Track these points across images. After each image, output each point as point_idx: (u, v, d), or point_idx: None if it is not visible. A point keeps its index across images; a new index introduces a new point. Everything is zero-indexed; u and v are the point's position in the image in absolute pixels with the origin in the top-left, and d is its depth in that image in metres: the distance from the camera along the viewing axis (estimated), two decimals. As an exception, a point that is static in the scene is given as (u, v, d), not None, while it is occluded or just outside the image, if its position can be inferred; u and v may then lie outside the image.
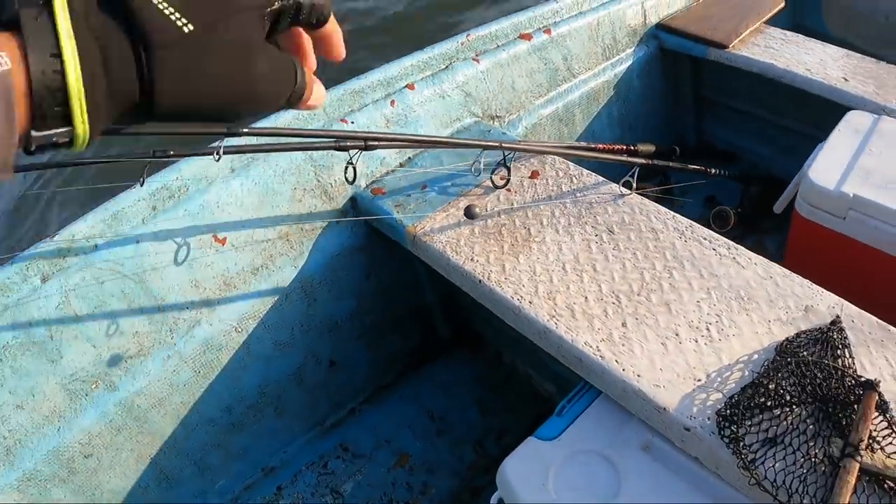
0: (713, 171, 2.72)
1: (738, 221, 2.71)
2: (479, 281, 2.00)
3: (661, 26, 3.34)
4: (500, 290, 1.96)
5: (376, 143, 1.93)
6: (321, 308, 2.51)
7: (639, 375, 1.69)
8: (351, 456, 2.69)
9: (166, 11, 0.58)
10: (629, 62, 3.29)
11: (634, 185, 2.23)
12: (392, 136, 2.16)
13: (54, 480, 2.04)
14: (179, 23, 0.59)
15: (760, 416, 1.55)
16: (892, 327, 1.73)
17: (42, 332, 1.96)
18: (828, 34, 4.07)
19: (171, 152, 1.84)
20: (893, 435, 1.50)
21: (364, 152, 1.88)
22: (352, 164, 1.69)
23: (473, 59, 2.71)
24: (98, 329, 2.05)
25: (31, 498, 2.00)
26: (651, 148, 2.83)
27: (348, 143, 1.88)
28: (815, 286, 1.87)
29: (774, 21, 3.35)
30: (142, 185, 1.93)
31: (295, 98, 0.73)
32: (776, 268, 1.93)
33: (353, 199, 2.44)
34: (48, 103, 0.53)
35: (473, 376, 2.91)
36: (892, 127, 2.47)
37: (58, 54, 0.52)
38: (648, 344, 1.76)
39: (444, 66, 2.65)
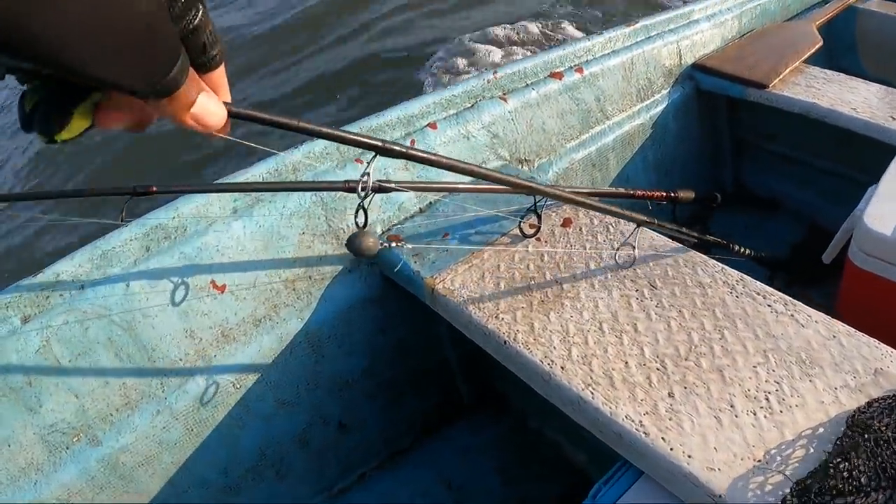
0: (737, 248, 2.50)
1: (785, 275, 2.54)
2: (505, 342, 1.78)
3: (697, 66, 3.17)
4: (528, 352, 1.74)
5: (390, 185, 1.71)
6: (330, 364, 2.30)
7: (689, 456, 1.45)
8: (359, 526, 2.44)
9: None
10: (664, 104, 3.11)
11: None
12: (414, 182, 1.95)
13: None
14: None
15: None
16: None
17: (20, 377, 1.79)
18: (865, 73, 3.89)
19: (154, 188, 1.65)
20: None
21: (380, 195, 1.66)
22: (363, 207, 1.45)
23: (501, 98, 2.52)
24: (81, 378, 1.87)
25: None
26: (691, 195, 2.62)
27: (358, 186, 1.66)
28: (883, 346, 1.64)
29: (811, 62, 3.18)
30: (121, 221, 1.75)
31: (167, 87, 0.68)
32: (839, 325, 1.70)
33: None
34: None
35: (496, 441, 2.66)
36: (949, 168, 2.26)
37: None
38: (700, 418, 1.52)
39: (469, 105, 2.47)
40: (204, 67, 0.77)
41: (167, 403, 1.99)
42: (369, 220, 1.68)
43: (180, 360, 2.00)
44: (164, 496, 2.09)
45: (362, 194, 1.61)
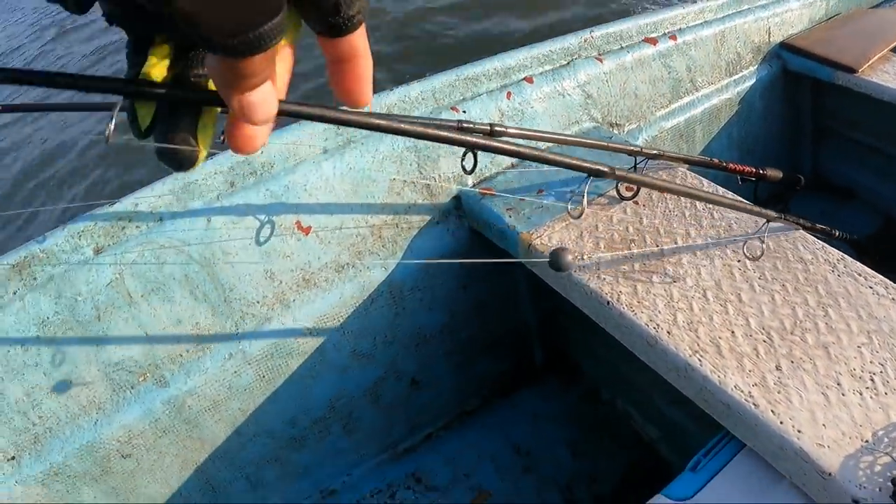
0: (837, 233, 2.43)
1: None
2: (608, 302, 1.71)
3: (785, 45, 3.07)
4: (633, 314, 1.67)
5: (504, 131, 1.65)
6: (409, 318, 2.24)
7: (799, 431, 1.39)
8: (423, 488, 2.40)
9: None
10: (752, 80, 3.02)
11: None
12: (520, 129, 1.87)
13: (85, 478, 1.82)
14: None
15: None
16: None
17: (88, 310, 1.75)
18: None
19: None
20: None
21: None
22: (473, 151, 1.38)
23: (597, 59, 2.45)
24: (153, 314, 1.83)
25: (57, 495, 1.78)
26: (779, 174, 2.54)
27: (472, 128, 1.60)
28: None
29: None
30: (107, 142, 1.67)
31: (251, 43, 0.50)
32: None
33: (458, 199, 2.17)
34: None
35: (566, 410, 2.60)
36: None
37: None
38: (808, 393, 1.46)
39: (565, 63, 2.39)
40: (336, 30, 0.59)
41: (240, 347, 1.94)
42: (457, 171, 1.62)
43: (258, 302, 1.95)
44: (228, 444, 2.06)
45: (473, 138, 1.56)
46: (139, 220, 1.77)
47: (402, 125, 1.02)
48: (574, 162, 1.51)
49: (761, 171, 2.47)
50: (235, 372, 1.95)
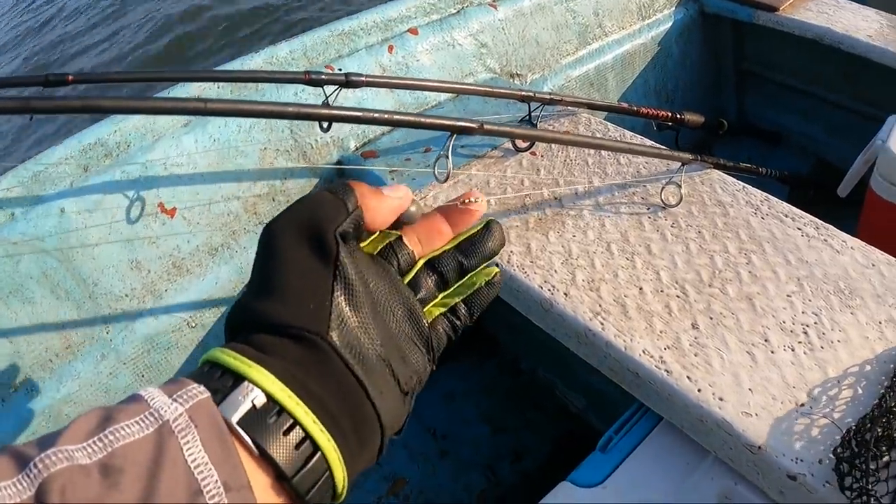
0: (763, 170, 2.23)
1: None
2: (497, 265, 1.44)
3: None
4: (524, 276, 1.42)
5: (362, 80, 1.39)
6: (296, 298, 1.95)
7: (721, 399, 1.15)
8: (335, 481, 2.12)
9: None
10: (667, 24, 2.81)
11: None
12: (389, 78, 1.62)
13: None
14: None
15: (889, 456, 1.01)
16: None
17: None
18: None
19: (70, 77, 1.31)
20: None
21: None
22: (327, 103, 1.12)
23: (490, 6, 2.21)
24: (13, 319, 1.56)
25: None
26: (700, 119, 2.33)
27: (323, 78, 1.34)
28: None
29: None
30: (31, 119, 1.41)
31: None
32: (878, 253, 1.42)
33: (339, 163, 1.92)
34: None
35: (484, 386, 2.34)
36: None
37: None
38: (730, 354, 1.22)
39: (454, 11, 2.15)
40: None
41: (113, 346, 1.69)
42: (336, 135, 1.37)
43: (126, 295, 1.69)
44: None
45: (328, 89, 1.30)
46: (-14, 217, 1.52)
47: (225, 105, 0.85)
48: (428, 121, 1.29)
49: (678, 116, 2.25)
50: (111, 373, 1.69)
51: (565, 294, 1.36)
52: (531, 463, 2.09)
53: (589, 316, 1.31)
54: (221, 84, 1.72)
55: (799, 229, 1.48)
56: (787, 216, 1.51)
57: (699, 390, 1.16)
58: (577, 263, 1.42)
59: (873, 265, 1.38)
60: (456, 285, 0.65)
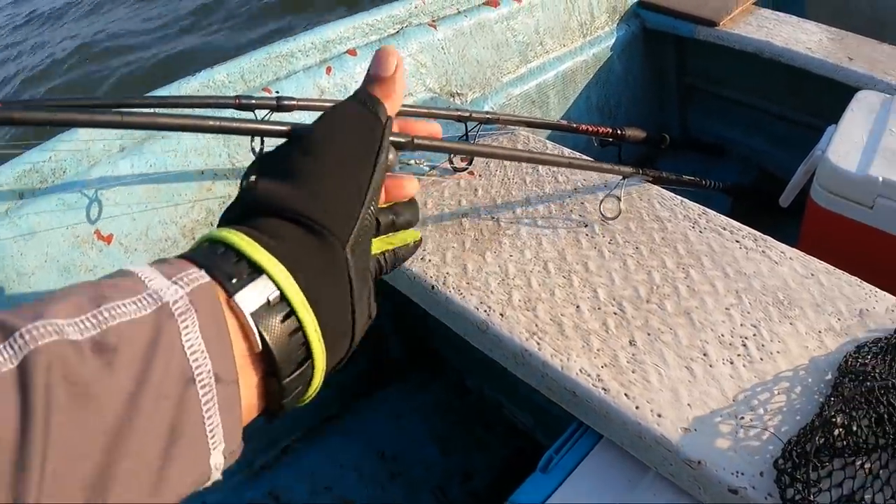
0: (706, 182, 2.23)
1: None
2: (432, 287, 1.43)
3: (643, 4, 2.87)
4: (460, 298, 1.39)
5: (294, 104, 1.36)
6: (241, 324, 1.91)
7: (659, 415, 1.13)
8: (283, 506, 2.09)
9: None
10: (609, 41, 2.80)
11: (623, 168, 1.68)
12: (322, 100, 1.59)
13: None
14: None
15: (830, 466, 1.01)
16: None
17: None
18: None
19: None
20: None
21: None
22: (259, 132, 1.06)
23: (430, 25, 2.18)
24: None
25: None
26: (641, 134, 2.32)
27: (253, 103, 1.31)
28: (865, 284, 1.37)
29: (759, 4, 2.91)
30: None
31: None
32: (816, 263, 1.42)
33: None
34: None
35: (432, 405, 2.31)
36: (911, 106, 2.02)
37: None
38: (668, 369, 1.20)
39: (393, 32, 2.12)
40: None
41: None
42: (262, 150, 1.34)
43: (65, 326, 1.63)
44: None
45: (259, 113, 1.27)
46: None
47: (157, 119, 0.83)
48: None
49: (620, 132, 2.24)
50: None
51: (501, 315, 1.34)
52: (480, 482, 2.06)
53: (525, 336, 1.29)
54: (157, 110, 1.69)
55: (737, 241, 1.47)
56: (725, 229, 1.50)
57: (637, 407, 1.14)
58: (514, 283, 1.40)
59: (812, 275, 1.38)
60: (389, 234, 0.66)
